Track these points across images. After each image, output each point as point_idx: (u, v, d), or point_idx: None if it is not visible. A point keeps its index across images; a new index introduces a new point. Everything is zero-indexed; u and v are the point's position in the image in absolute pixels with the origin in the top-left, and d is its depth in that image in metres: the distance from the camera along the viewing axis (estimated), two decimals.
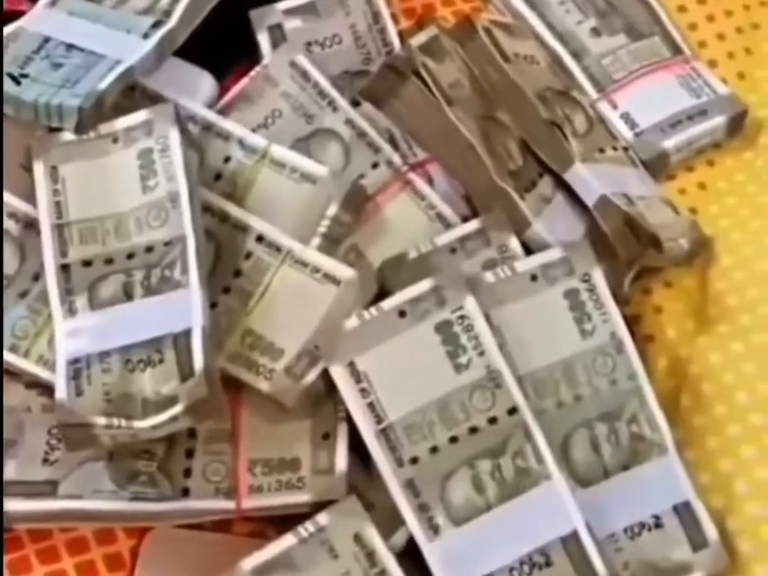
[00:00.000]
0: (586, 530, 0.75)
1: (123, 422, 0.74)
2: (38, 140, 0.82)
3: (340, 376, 0.76)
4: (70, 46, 0.85)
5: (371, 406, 0.76)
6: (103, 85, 0.82)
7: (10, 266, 0.80)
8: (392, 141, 0.87)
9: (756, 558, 0.77)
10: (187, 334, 0.75)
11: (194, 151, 0.83)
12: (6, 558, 0.77)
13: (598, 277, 0.80)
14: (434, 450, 0.76)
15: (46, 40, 0.86)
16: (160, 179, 0.80)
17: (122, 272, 0.78)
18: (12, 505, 0.75)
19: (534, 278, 0.80)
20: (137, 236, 0.79)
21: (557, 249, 0.81)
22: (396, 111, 0.86)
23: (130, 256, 0.78)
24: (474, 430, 0.76)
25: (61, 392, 0.75)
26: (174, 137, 0.81)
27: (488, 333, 0.77)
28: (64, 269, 0.79)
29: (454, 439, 0.76)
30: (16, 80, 0.83)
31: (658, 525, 0.78)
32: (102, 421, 0.74)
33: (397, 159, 0.86)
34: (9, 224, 0.81)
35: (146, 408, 0.74)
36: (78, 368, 0.76)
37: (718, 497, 0.79)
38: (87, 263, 0.79)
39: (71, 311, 0.78)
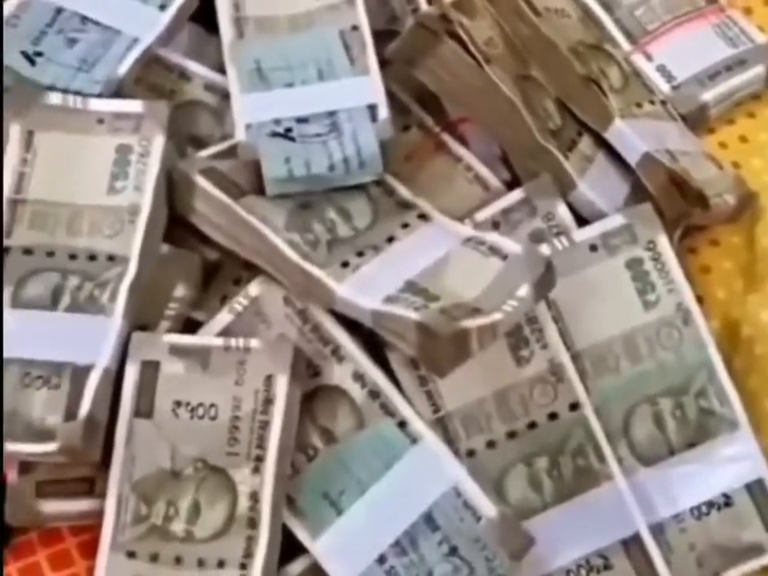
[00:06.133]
0: (650, 532, 0.66)
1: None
2: (19, 97, 0.70)
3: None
4: (84, 18, 0.74)
5: (429, 394, 0.66)
6: (122, 70, 0.72)
7: None
8: (421, 102, 0.76)
9: None
10: (87, 370, 0.64)
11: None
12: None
13: (664, 244, 0.70)
14: (491, 444, 0.66)
15: (59, 11, 0.74)
16: (129, 185, 0.69)
17: (59, 271, 0.67)
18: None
19: (593, 248, 0.69)
20: (85, 237, 0.68)
21: (618, 215, 0.70)
22: (430, 71, 0.74)
23: (72, 257, 0.67)
24: (533, 426, 0.67)
25: None
26: (158, 144, 0.69)
27: (553, 328, 0.67)
28: (3, 251, 0.68)
29: (512, 434, 0.66)
30: (30, 59, 0.72)
31: (728, 504, 0.68)
32: None
33: (429, 121, 0.75)
34: None
35: (27, 431, 0.64)
36: None
37: None
38: (28, 251, 0.68)
39: None
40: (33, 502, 0.66)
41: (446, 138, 0.75)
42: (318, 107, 0.71)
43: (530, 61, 0.77)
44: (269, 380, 0.64)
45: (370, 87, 0.72)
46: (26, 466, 0.66)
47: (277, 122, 0.70)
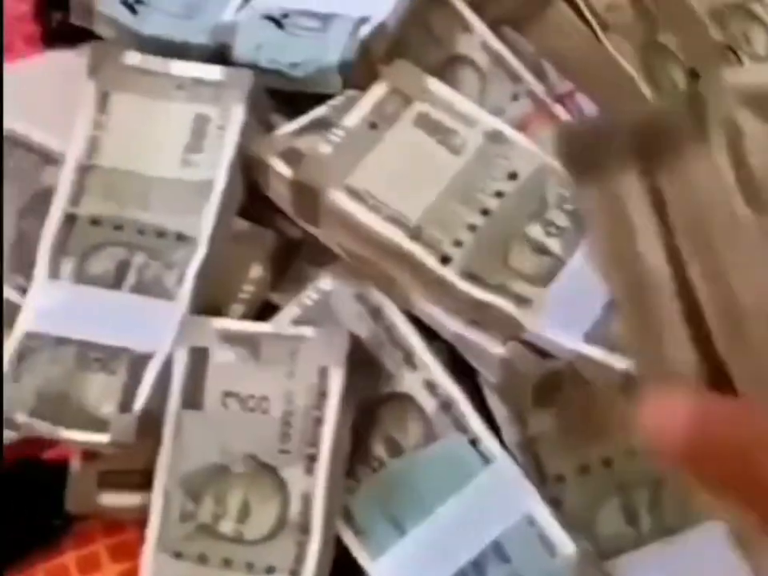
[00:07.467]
0: None
1: (47, 427, 0.60)
2: (98, 54, 0.65)
3: None
4: None
5: (518, 415, 0.59)
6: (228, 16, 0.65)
7: None
8: (536, 69, 0.68)
9: None
10: (146, 359, 0.60)
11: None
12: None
13: None
14: (583, 469, 0.59)
15: None
16: (203, 159, 0.63)
17: (125, 246, 0.62)
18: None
19: None
20: (155, 212, 0.62)
21: None
22: (540, 37, 0.66)
23: (140, 231, 0.62)
24: (631, 453, 0.59)
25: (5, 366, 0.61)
26: (238, 116, 0.63)
27: None
28: (69, 219, 0.63)
29: (608, 462, 0.59)
30: (131, 7, 0.66)
31: None
32: (23, 419, 0.60)
33: (540, 90, 0.67)
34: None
35: (79, 418, 0.60)
36: (28, 347, 0.61)
37: None
38: (95, 222, 0.63)
39: (54, 274, 0.62)
40: (93, 491, 0.62)
41: (559, 110, 0.67)
42: (318, 6, 0.65)
43: (659, 25, 0.68)
44: (323, 372, 0.59)
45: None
46: (90, 453, 0.62)
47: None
